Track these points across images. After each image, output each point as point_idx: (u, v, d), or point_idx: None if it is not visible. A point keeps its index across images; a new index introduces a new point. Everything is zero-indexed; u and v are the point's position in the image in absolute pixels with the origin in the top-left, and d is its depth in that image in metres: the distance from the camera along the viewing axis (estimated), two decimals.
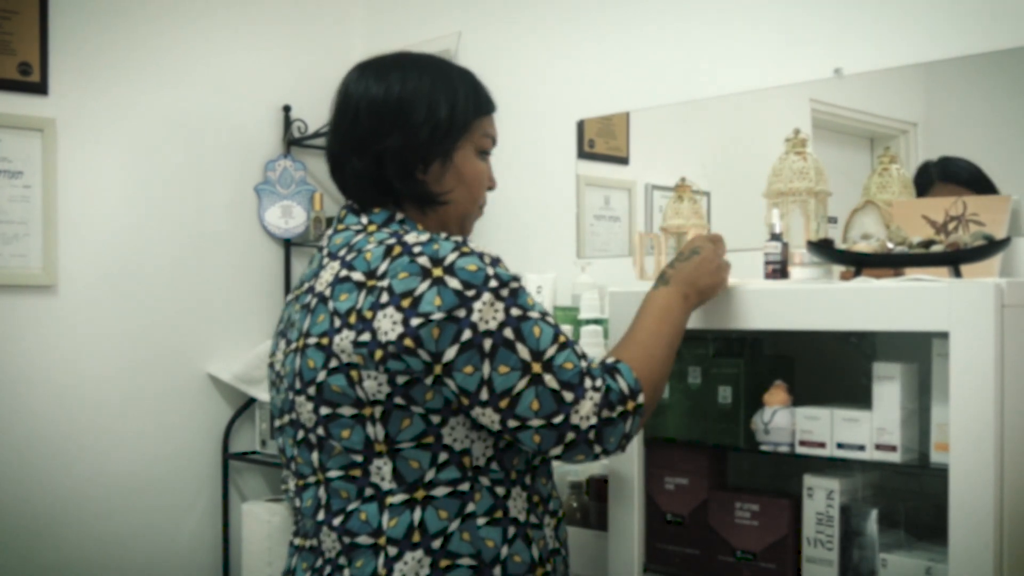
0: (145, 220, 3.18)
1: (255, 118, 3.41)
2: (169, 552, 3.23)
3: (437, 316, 1.39)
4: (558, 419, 1.42)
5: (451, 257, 1.42)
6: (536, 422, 1.42)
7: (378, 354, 1.40)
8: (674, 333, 1.61)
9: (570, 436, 1.43)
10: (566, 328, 2.54)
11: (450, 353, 1.40)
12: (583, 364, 1.45)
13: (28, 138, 2.95)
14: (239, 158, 3.38)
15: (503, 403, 1.41)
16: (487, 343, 1.40)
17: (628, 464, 1.99)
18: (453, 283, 1.40)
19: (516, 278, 1.47)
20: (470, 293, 1.40)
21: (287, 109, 3.44)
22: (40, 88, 2.97)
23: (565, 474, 2.36)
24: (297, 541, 1.58)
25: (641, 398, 1.49)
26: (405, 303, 1.40)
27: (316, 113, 3.42)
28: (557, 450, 1.45)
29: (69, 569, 3.02)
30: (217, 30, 3.32)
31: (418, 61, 1.60)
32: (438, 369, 1.40)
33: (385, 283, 1.42)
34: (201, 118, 3.29)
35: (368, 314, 1.42)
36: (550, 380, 1.42)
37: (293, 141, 3.44)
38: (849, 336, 1.94)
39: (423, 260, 1.42)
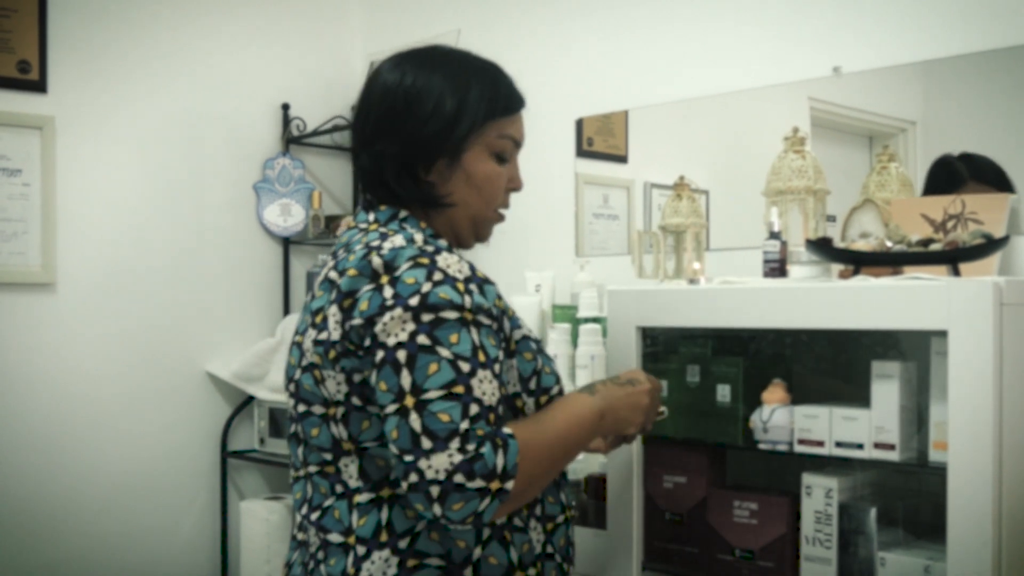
0: (144, 218, 3.18)
1: (254, 116, 3.41)
2: (168, 550, 3.23)
3: (357, 321, 1.38)
4: (408, 458, 1.32)
5: (402, 267, 1.39)
6: (392, 448, 1.35)
7: (331, 353, 1.41)
8: (577, 445, 1.50)
9: (412, 478, 1.31)
10: (564, 326, 2.54)
11: (362, 353, 1.39)
12: (463, 426, 1.32)
13: (27, 136, 2.95)
14: (238, 156, 3.38)
15: (381, 413, 1.38)
16: (379, 354, 1.36)
17: (627, 462, 1.99)
18: (387, 292, 1.38)
19: (462, 307, 1.38)
20: (389, 303, 1.37)
21: (286, 107, 3.44)
22: (39, 86, 2.97)
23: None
24: (300, 536, 1.57)
25: (509, 485, 1.33)
26: (345, 303, 1.40)
27: (315, 111, 3.41)
28: (403, 485, 1.33)
29: (68, 567, 3.02)
30: (216, 28, 3.32)
31: (437, 56, 1.57)
32: (367, 372, 1.40)
33: (340, 280, 1.43)
34: (200, 116, 3.29)
35: (328, 312, 1.43)
36: (414, 420, 1.32)
37: (292, 139, 3.44)
38: (860, 338, 1.94)
39: (377, 262, 1.40)
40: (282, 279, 3.46)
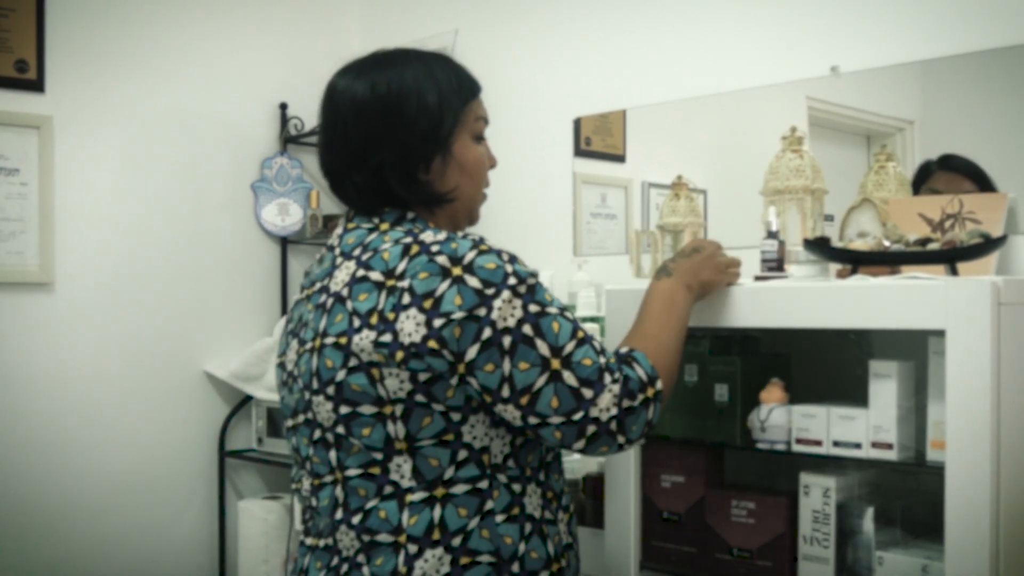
0: (142, 217, 3.18)
1: (252, 116, 3.41)
2: (166, 550, 3.23)
3: (458, 315, 1.39)
4: (578, 415, 1.43)
5: (470, 255, 1.43)
6: (556, 419, 1.43)
7: (399, 355, 1.41)
8: (681, 322, 1.63)
9: (591, 429, 1.43)
10: None
11: (472, 352, 1.40)
12: (602, 360, 1.45)
13: (25, 135, 2.94)
14: (236, 156, 3.37)
15: (523, 400, 1.42)
16: (506, 340, 1.41)
17: (624, 462, 1.99)
18: (473, 282, 1.41)
19: (534, 274, 1.47)
20: (489, 291, 1.41)
21: (284, 107, 3.44)
22: (37, 86, 2.97)
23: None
24: (310, 541, 1.57)
25: (659, 384, 1.50)
26: (427, 304, 1.40)
27: (313, 111, 3.35)
28: (580, 444, 1.45)
29: (66, 566, 3.02)
30: (214, 27, 3.32)
31: (393, 57, 1.58)
32: (461, 368, 1.41)
33: (405, 283, 1.42)
34: (198, 115, 3.29)
35: (391, 315, 1.41)
36: (569, 377, 1.42)
37: (290, 139, 3.44)
38: (848, 332, 1.94)
39: (442, 259, 1.42)
40: (280, 279, 3.46)
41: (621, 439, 1.46)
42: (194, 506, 3.30)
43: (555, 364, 1.42)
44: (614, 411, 1.44)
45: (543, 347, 1.42)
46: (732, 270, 1.81)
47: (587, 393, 1.43)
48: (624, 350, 1.53)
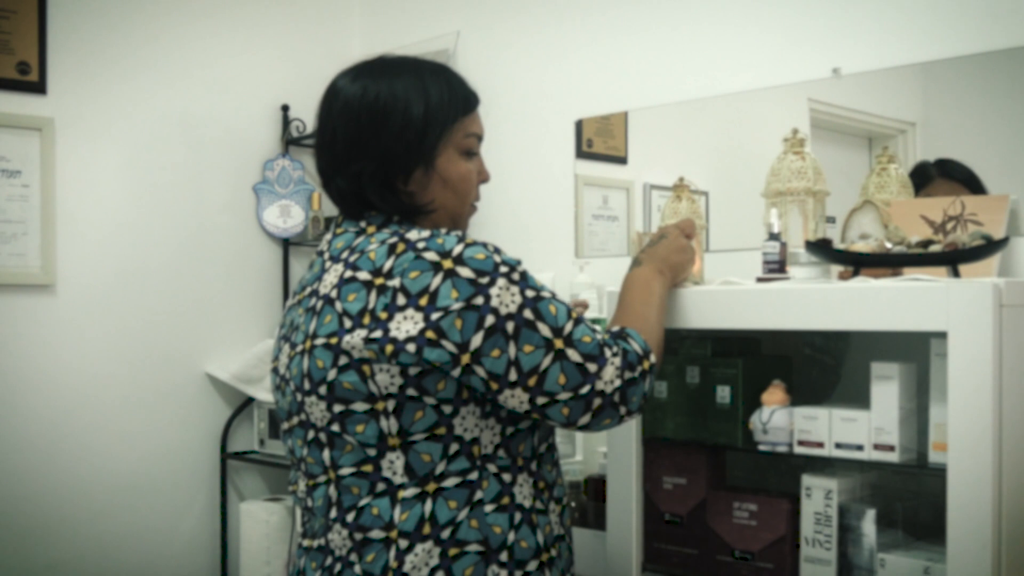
0: (143, 219, 3.18)
1: (253, 117, 3.41)
2: (167, 551, 3.23)
3: (456, 307, 1.41)
4: (584, 389, 1.47)
5: (458, 248, 1.45)
6: (564, 395, 1.47)
7: (389, 348, 1.42)
8: (660, 304, 1.70)
9: (597, 402, 1.48)
10: None
11: (476, 340, 1.42)
12: (598, 336, 1.51)
13: (26, 137, 2.95)
14: (237, 157, 3.38)
15: (531, 381, 1.45)
16: (510, 325, 1.44)
17: (626, 464, 1.99)
18: (465, 272, 1.43)
19: (520, 262, 1.50)
20: (484, 280, 1.43)
21: (285, 108, 3.44)
22: (38, 87, 2.97)
23: (564, 473, 2.36)
24: (305, 542, 1.59)
25: (653, 357, 1.57)
26: (423, 301, 1.42)
27: (314, 113, 3.41)
28: (586, 418, 1.49)
29: (67, 567, 3.02)
30: (216, 29, 3.32)
31: (391, 65, 1.60)
32: (465, 358, 1.43)
33: (396, 283, 1.43)
34: (200, 117, 3.29)
35: (383, 315, 1.43)
36: (572, 354, 1.47)
37: (291, 140, 3.44)
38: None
39: (430, 255, 1.44)
40: (281, 280, 3.46)
41: (623, 410, 1.51)
42: (196, 508, 3.30)
43: (558, 344, 1.46)
44: (617, 383, 1.49)
45: (544, 329, 1.46)
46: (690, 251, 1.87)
47: (591, 367, 1.47)
48: (615, 328, 1.59)
